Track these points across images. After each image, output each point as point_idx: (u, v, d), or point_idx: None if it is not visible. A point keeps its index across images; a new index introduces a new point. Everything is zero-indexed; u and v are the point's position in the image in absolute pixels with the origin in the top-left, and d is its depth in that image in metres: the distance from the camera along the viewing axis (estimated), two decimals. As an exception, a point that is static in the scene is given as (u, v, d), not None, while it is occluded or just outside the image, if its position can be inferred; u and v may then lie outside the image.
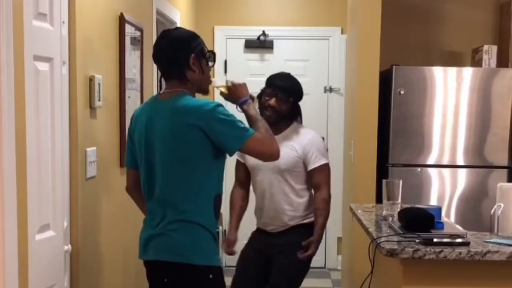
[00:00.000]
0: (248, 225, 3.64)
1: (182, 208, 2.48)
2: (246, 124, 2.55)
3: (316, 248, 3.32)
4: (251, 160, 3.32)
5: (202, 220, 2.51)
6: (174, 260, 2.48)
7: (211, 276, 2.50)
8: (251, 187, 3.55)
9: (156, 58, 2.60)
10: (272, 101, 3.28)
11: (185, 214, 2.49)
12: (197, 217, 2.50)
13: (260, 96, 3.35)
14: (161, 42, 2.59)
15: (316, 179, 3.32)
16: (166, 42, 2.57)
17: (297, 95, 3.37)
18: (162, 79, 2.65)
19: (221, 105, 2.49)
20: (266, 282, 3.41)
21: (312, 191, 3.39)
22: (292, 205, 3.35)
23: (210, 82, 2.66)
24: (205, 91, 2.67)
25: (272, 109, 3.29)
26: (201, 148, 2.45)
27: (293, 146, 3.31)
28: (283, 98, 3.29)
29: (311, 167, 3.30)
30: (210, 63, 2.63)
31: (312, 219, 3.35)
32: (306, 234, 3.30)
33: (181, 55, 2.53)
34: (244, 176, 3.51)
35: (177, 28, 2.72)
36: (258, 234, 3.49)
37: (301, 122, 3.46)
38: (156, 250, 2.53)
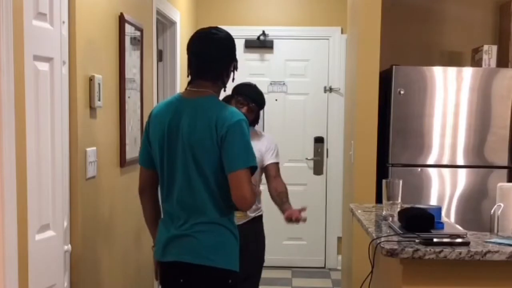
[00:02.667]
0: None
1: (207, 210, 2.48)
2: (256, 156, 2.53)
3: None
4: None
5: (227, 222, 2.53)
6: (195, 262, 2.46)
7: (230, 281, 2.51)
8: None
9: (198, 53, 2.54)
10: (244, 110, 3.50)
11: (211, 216, 2.49)
12: (222, 219, 2.51)
13: (228, 102, 3.47)
14: (208, 40, 2.54)
15: (274, 171, 3.63)
16: (215, 41, 2.53)
17: (263, 105, 3.70)
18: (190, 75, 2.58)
19: (246, 121, 2.51)
20: None
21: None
22: None
23: None
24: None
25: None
26: (215, 152, 2.43)
27: (256, 149, 3.50)
28: (253, 108, 3.59)
29: (270, 161, 3.62)
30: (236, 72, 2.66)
31: (261, 213, 3.70)
32: (260, 225, 3.72)
33: (227, 59, 2.56)
34: None
35: (220, 29, 2.61)
36: None
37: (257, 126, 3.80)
38: (178, 251, 2.50)
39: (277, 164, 3.65)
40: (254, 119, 3.64)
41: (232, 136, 2.42)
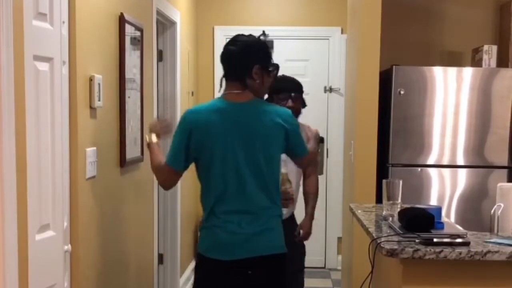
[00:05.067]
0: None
1: (274, 204, 2.72)
2: None
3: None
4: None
5: (281, 213, 2.80)
6: (278, 252, 2.72)
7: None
8: None
9: (223, 59, 2.75)
10: (290, 103, 3.54)
11: (277, 209, 2.75)
12: (280, 210, 2.79)
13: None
14: (231, 46, 2.74)
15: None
16: (236, 47, 2.72)
17: (302, 89, 3.68)
18: (223, 79, 2.78)
19: None
20: None
21: None
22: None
23: (267, 92, 2.89)
24: (261, 99, 2.86)
25: (293, 109, 3.54)
26: (281, 146, 2.74)
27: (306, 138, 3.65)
28: (296, 96, 3.60)
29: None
30: (272, 74, 2.80)
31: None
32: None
33: (246, 62, 2.69)
34: None
35: (250, 36, 2.82)
36: None
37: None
38: (259, 246, 2.67)
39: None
40: (303, 106, 3.67)
41: (296, 129, 2.79)
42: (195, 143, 2.67)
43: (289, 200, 3.45)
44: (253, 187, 2.66)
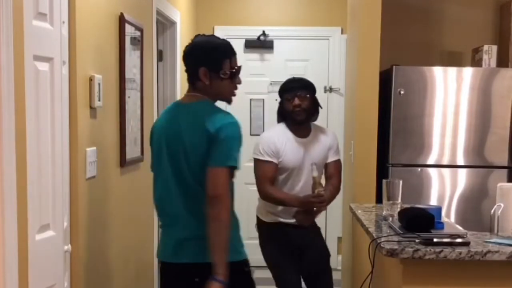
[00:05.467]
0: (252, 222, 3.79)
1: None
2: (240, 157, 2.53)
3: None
4: (290, 162, 3.56)
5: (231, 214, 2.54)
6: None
7: (246, 269, 2.63)
8: None
9: (183, 59, 2.69)
10: (296, 101, 3.57)
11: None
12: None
13: (281, 106, 3.67)
14: (187, 45, 2.68)
15: (331, 170, 3.69)
16: (188, 48, 2.66)
17: (312, 88, 3.66)
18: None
19: (237, 123, 2.53)
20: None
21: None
22: None
23: (233, 94, 2.69)
24: (227, 102, 2.71)
25: (299, 108, 3.59)
26: (204, 151, 2.48)
27: (324, 144, 3.68)
28: (303, 95, 3.58)
29: (330, 160, 3.69)
30: (224, 77, 2.61)
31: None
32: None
33: (192, 65, 2.62)
34: (275, 175, 3.62)
35: (208, 36, 2.75)
36: (291, 228, 3.61)
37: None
38: (194, 253, 2.55)
39: (337, 162, 3.72)
40: (314, 106, 3.64)
41: (223, 138, 2.47)
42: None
43: (322, 203, 3.47)
44: (178, 190, 2.55)
